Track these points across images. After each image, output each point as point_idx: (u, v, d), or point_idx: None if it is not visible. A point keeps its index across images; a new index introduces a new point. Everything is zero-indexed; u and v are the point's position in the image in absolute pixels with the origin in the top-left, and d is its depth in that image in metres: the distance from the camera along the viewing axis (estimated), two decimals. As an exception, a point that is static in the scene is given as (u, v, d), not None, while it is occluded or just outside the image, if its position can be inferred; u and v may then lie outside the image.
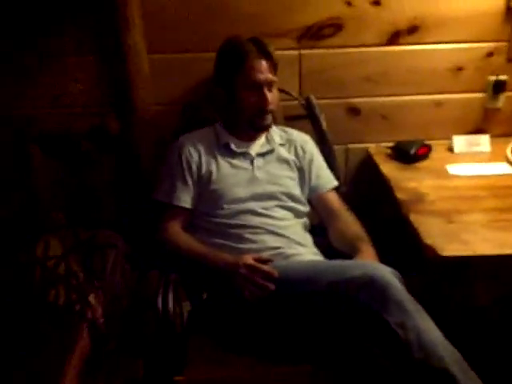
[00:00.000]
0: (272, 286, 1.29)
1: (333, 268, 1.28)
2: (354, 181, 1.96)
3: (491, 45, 1.83)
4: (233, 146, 1.59)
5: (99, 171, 1.80)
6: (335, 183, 1.68)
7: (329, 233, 1.62)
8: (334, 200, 1.65)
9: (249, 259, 1.35)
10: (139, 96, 1.68)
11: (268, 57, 1.52)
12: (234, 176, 1.56)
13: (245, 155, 1.60)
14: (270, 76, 1.52)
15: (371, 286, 1.18)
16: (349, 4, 1.74)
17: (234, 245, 1.48)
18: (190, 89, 1.77)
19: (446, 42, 1.81)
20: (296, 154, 1.65)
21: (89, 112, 1.75)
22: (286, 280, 1.30)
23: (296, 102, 1.79)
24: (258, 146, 1.62)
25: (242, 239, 1.49)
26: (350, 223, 1.58)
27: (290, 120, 1.78)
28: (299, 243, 1.53)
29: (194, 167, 1.55)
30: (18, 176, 1.73)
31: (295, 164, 1.64)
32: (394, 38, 1.79)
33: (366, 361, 1.17)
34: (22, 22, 1.67)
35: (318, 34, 1.77)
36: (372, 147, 1.91)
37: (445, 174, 1.72)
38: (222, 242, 1.50)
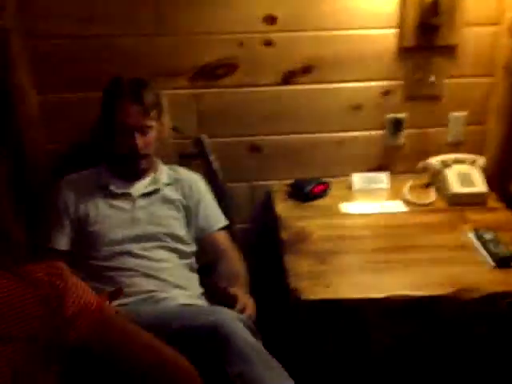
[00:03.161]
0: None
1: (183, 315, 1.27)
2: (258, 218, 1.95)
3: (387, 83, 1.84)
4: (112, 187, 1.58)
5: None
6: (223, 223, 1.67)
7: (214, 273, 1.60)
8: (221, 240, 1.64)
9: None
10: (28, 135, 1.68)
11: (141, 101, 1.51)
12: (112, 217, 1.54)
13: (126, 196, 1.58)
14: (142, 120, 1.51)
15: (214, 334, 1.16)
16: (241, 44, 1.75)
17: (106, 288, 1.45)
18: (83, 128, 1.76)
19: (342, 81, 1.83)
20: (183, 194, 1.64)
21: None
22: (142, 327, 1.28)
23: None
24: (143, 186, 1.61)
25: (115, 282, 1.46)
26: (232, 263, 1.57)
27: (185, 158, 1.78)
28: (177, 285, 1.51)
29: (72, 209, 1.54)
30: None
31: (181, 204, 1.63)
32: (289, 78, 1.80)
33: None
34: None
35: (212, 73, 1.78)
36: (275, 185, 1.91)
37: (337, 213, 1.71)
38: (97, 285, 1.46)
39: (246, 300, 1.38)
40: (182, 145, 1.80)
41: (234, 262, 1.58)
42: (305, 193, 1.77)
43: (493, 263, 1.40)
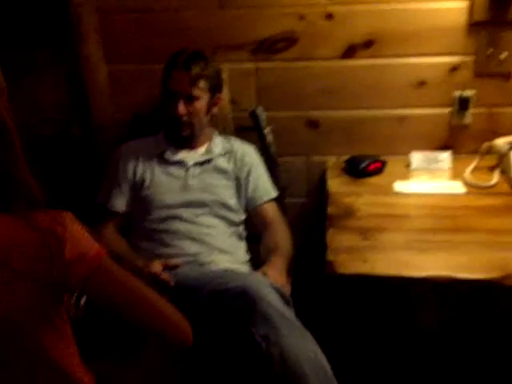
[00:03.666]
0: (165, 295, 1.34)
1: (217, 278, 1.31)
2: (313, 193, 1.95)
3: (456, 59, 1.76)
4: (167, 155, 1.65)
5: (66, 172, 1.94)
6: (272, 195, 1.70)
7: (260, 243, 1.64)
8: (269, 211, 1.67)
9: (154, 267, 1.42)
10: (97, 104, 1.80)
11: (189, 70, 1.55)
12: (166, 183, 1.62)
13: (180, 164, 1.65)
14: (187, 88, 1.55)
15: (242, 297, 1.21)
16: (301, 18, 1.75)
17: (156, 249, 1.55)
18: (148, 98, 1.85)
19: (406, 56, 1.77)
20: (235, 165, 1.68)
21: (57, 119, 1.89)
22: (181, 288, 1.35)
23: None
24: (197, 155, 1.67)
25: (163, 244, 1.55)
26: (275, 236, 1.60)
27: (241, 131, 1.81)
28: (222, 251, 1.57)
29: (130, 174, 1.63)
30: None
31: (233, 174, 1.68)
32: (350, 52, 1.77)
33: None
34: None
35: (272, 47, 1.79)
36: (331, 160, 1.90)
37: (389, 191, 1.67)
38: (147, 245, 1.57)
39: (276, 277, 1.40)
40: (238, 117, 1.83)
41: (278, 234, 1.61)
42: (359, 169, 1.75)
43: (548, 251, 1.31)
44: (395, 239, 1.42)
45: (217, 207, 1.62)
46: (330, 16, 1.74)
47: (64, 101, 1.84)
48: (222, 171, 1.67)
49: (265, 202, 1.68)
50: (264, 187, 1.69)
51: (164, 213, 1.58)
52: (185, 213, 1.59)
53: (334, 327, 1.43)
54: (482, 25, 1.70)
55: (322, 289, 1.61)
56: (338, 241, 1.41)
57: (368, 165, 1.76)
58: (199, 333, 1.25)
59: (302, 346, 1.17)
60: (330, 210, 1.58)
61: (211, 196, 1.63)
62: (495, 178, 1.68)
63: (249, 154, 1.71)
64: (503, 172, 1.69)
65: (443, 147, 1.85)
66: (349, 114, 1.86)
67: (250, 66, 1.82)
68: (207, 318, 1.24)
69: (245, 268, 1.55)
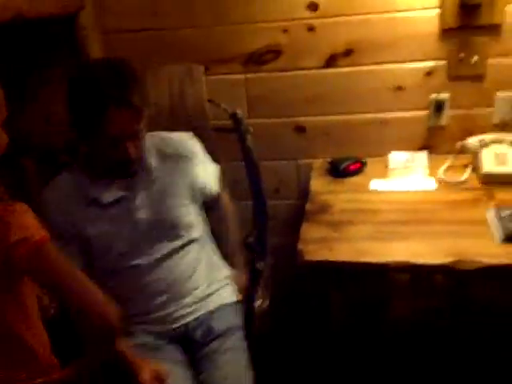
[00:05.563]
0: None
1: None
2: (303, 194, 2.08)
3: (430, 64, 1.87)
4: (102, 198, 1.43)
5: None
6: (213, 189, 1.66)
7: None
8: (222, 201, 1.71)
9: None
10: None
11: (130, 104, 1.31)
12: (113, 231, 1.43)
13: (120, 200, 1.44)
14: (133, 127, 1.34)
15: None
16: (285, 31, 1.90)
17: (126, 310, 1.32)
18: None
19: (384, 63, 1.89)
20: (176, 171, 1.54)
21: (68, 132, 2.09)
22: None
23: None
24: (134, 182, 1.46)
25: (129, 302, 1.45)
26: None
27: (220, 132, 1.88)
28: (196, 287, 1.53)
29: (68, 227, 1.42)
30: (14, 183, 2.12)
31: (178, 183, 1.53)
32: (331, 61, 1.91)
33: None
34: (21, 58, 2.06)
35: (260, 59, 1.94)
36: (317, 162, 2.03)
37: (366, 189, 1.79)
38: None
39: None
40: (218, 118, 1.87)
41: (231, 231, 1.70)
42: (340, 170, 1.88)
43: (501, 238, 1.41)
44: (362, 231, 1.55)
45: (175, 234, 1.49)
46: (311, 28, 1.88)
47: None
48: (167, 186, 1.49)
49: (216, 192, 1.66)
50: (208, 176, 1.64)
51: (119, 264, 1.44)
52: (143, 258, 1.44)
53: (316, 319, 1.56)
54: (453, 31, 1.80)
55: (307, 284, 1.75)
56: (310, 233, 1.55)
57: (348, 165, 1.89)
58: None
59: None
60: (308, 206, 1.72)
61: (165, 222, 1.47)
62: (466, 174, 1.78)
63: (181, 145, 1.57)
64: (474, 169, 1.79)
65: (422, 148, 1.96)
66: (333, 119, 2.00)
67: (240, 77, 1.99)
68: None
69: (225, 294, 1.60)
